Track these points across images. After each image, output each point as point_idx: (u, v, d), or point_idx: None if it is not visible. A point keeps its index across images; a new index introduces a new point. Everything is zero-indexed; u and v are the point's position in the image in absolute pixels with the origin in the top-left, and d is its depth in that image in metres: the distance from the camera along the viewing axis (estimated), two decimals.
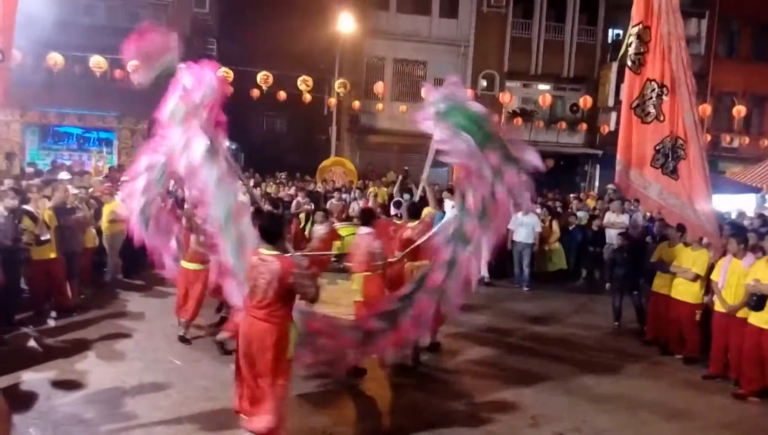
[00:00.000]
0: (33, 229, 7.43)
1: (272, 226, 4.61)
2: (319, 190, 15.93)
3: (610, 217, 11.96)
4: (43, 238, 7.57)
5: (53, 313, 7.75)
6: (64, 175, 11.15)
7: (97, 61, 17.18)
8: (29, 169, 13.22)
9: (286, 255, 4.54)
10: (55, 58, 16.57)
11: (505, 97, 21.49)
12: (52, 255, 7.82)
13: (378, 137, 23.57)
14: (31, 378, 5.86)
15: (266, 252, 4.44)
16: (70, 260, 8.27)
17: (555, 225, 12.23)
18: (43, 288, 7.84)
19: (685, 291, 7.41)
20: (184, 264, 7.13)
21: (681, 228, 7.98)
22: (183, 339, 7.16)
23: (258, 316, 4.42)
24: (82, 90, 18.25)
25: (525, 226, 11.40)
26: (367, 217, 7.00)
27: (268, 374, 4.38)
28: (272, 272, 4.31)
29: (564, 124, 24.45)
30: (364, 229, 6.78)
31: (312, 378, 6.08)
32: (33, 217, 7.48)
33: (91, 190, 9.99)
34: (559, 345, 8.11)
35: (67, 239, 8.14)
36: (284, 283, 4.30)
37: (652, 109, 8.19)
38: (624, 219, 11.70)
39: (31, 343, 6.91)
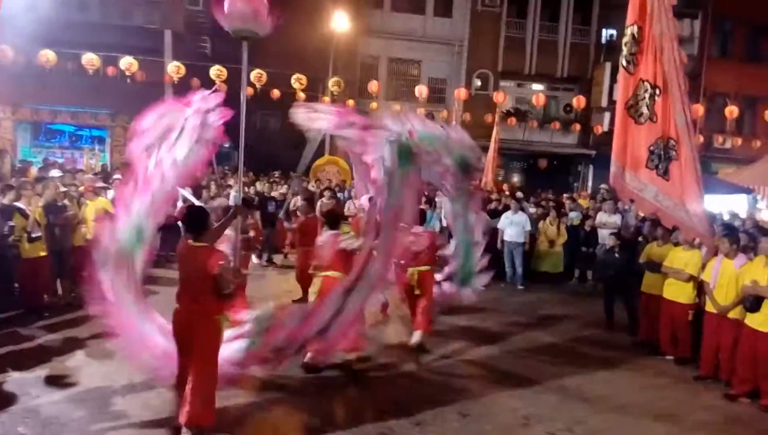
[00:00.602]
0: (24, 226, 7.39)
1: (196, 219, 4.68)
2: (312, 188, 15.89)
3: (602, 217, 11.99)
4: (33, 235, 7.55)
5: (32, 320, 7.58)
6: (55, 173, 11.10)
7: (90, 59, 17.13)
8: (19, 166, 13.13)
9: (210, 247, 4.60)
10: (48, 55, 16.50)
11: (499, 97, 21.52)
12: (42, 253, 7.79)
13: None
14: (20, 377, 5.82)
15: (194, 243, 4.55)
16: (59, 258, 8.23)
17: (563, 227, 12.14)
18: (33, 286, 7.77)
19: (678, 291, 7.42)
20: None
21: (660, 225, 8.03)
22: None
23: (185, 306, 4.56)
24: (75, 87, 18.19)
25: (515, 225, 11.43)
26: (332, 219, 7.01)
27: (196, 363, 4.49)
28: (200, 263, 4.43)
29: (558, 124, 24.54)
30: (330, 231, 6.82)
31: (302, 378, 6.07)
32: (24, 215, 7.44)
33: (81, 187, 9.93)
34: (551, 345, 8.13)
35: (56, 237, 8.10)
36: (208, 275, 4.40)
37: (645, 110, 8.18)
38: (616, 219, 11.74)
39: (21, 341, 6.85)
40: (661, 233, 8.12)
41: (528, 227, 11.55)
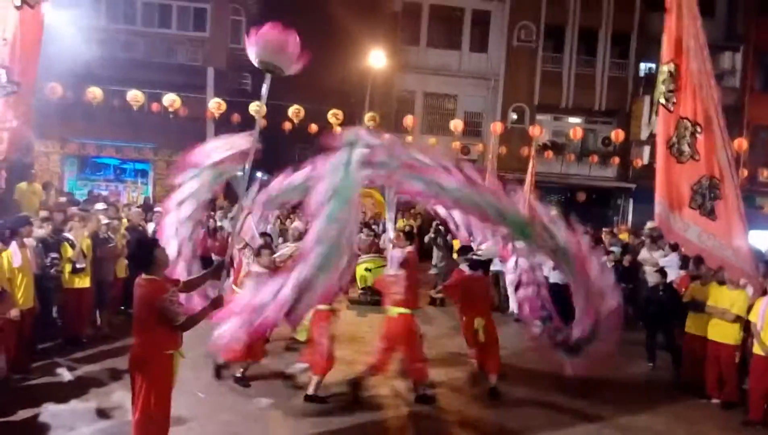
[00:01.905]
0: (70, 257, 7.58)
1: (141, 253, 4.56)
2: None
3: (644, 253, 11.66)
4: (78, 266, 7.72)
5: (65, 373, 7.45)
6: (99, 206, 11.39)
7: (135, 95, 17.73)
8: (61, 199, 13.54)
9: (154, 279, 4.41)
10: (95, 92, 17.17)
11: (535, 130, 21.40)
12: (86, 284, 7.95)
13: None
14: (56, 408, 5.90)
15: (142, 277, 4.42)
16: (100, 289, 8.41)
17: None
18: (74, 316, 7.93)
19: (723, 332, 7.14)
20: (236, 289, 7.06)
21: (704, 263, 7.78)
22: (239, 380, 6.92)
23: (136, 340, 4.45)
24: (120, 122, 18.84)
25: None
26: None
27: (141, 398, 4.34)
28: (141, 296, 4.32)
29: (596, 158, 24.23)
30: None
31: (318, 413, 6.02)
32: (72, 245, 7.66)
33: (124, 220, 10.17)
34: (591, 384, 7.84)
35: (99, 268, 8.28)
36: (151, 308, 4.28)
37: (687, 148, 8.03)
38: (658, 256, 11.39)
39: (58, 372, 6.96)
40: (705, 272, 7.86)
41: None
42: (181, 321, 4.29)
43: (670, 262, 10.27)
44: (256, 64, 5.06)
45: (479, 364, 7.66)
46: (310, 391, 6.43)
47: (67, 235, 7.82)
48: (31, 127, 8.64)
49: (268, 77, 5.13)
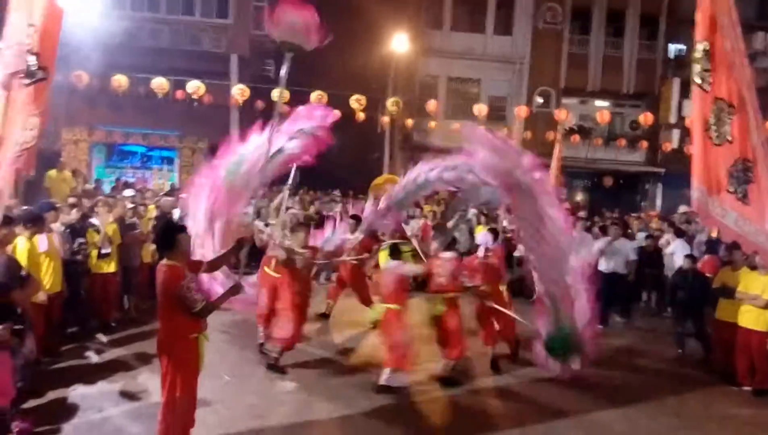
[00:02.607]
0: (96, 242, 7.68)
1: (162, 238, 4.60)
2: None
3: (664, 240, 11.43)
4: (103, 252, 7.82)
5: (101, 337, 7.73)
6: (128, 192, 11.54)
7: (160, 83, 17.85)
8: (88, 186, 13.74)
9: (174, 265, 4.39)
10: (120, 80, 17.31)
11: (561, 114, 21.07)
12: (112, 269, 8.06)
13: (431, 155, 23.43)
14: (85, 390, 6.01)
15: (163, 262, 4.44)
16: (127, 274, 8.52)
17: None
18: (101, 301, 8.04)
19: (755, 318, 6.96)
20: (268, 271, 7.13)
21: (736, 248, 7.58)
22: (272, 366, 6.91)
23: (160, 324, 4.48)
24: (146, 110, 18.98)
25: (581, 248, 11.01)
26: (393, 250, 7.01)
27: (166, 383, 4.39)
28: (161, 282, 4.34)
29: (623, 142, 23.81)
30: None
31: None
32: (98, 231, 7.76)
33: (151, 207, 10.28)
34: (619, 372, 7.75)
35: (125, 254, 8.39)
36: (170, 293, 4.29)
37: (723, 130, 7.80)
38: (663, 243, 11.12)
39: (87, 355, 7.08)
40: (736, 257, 7.66)
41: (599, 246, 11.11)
42: (198, 308, 4.29)
43: (675, 249, 10.07)
44: (278, 44, 5.03)
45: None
46: (383, 381, 6.43)
47: (92, 220, 7.92)
48: (53, 114, 8.69)
49: (288, 56, 5.09)
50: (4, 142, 5.14)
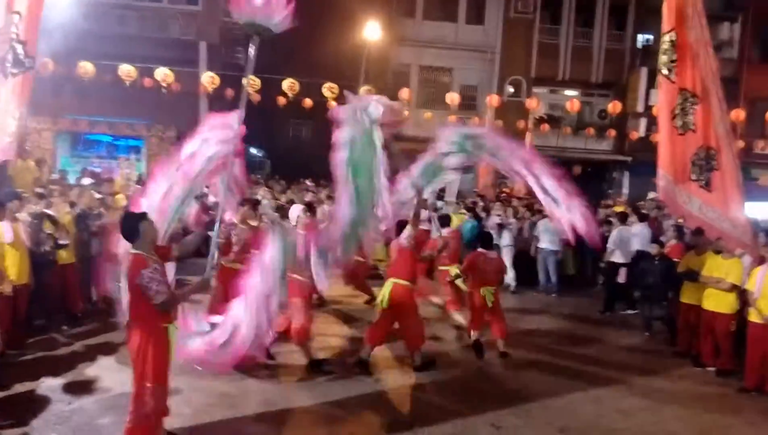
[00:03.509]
0: (54, 233, 7.50)
1: (124, 227, 4.47)
2: None
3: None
4: (61, 243, 7.64)
5: (64, 328, 7.61)
6: (86, 181, 11.30)
7: (127, 70, 17.46)
8: (54, 176, 13.43)
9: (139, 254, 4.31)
10: (86, 67, 16.89)
11: (532, 103, 21.26)
12: (70, 260, 7.88)
13: (403, 144, 23.45)
14: (53, 382, 5.90)
15: (131, 250, 4.37)
16: (94, 265, 8.36)
17: None
18: (62, 292, 7.85)
19: (718, 301, 7.15)
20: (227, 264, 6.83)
21: (700, 231, 7.80)
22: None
23: (130, 316, 4.42)
24: (112, 98, 18.54)
25: (549, 233, 11.17)
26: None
27: (135, 373, 4.35)
28: (127, 271, 4.29)
29: (592, 130, 24.12)
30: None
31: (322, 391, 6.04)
32: (54, 221, 7.56)
33: (119, 196, 10.10)
34: (587, 355, 7.92)
35: (92, 244, 8.23)
36: (133, 283, 4.24)
37: (687, 119, 7.96)
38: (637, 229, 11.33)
39: (55, 347, 6.96)
40: (700, 242, 7.86)
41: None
42: (159, 301, 4.21)
43: (639, 233, 10.29)
44: (244, 27, 4.92)
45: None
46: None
47: (47, 211, 7.66)
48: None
49: (255, 40, 4.99)
50: None
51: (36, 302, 7.27)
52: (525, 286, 11.53)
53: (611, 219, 12.40)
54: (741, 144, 20.33)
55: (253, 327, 4.90)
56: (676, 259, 8.37)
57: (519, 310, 10.06)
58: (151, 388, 4.36)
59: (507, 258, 11.50)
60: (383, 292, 6.76)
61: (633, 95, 24.21)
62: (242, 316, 4.91)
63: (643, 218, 10.94)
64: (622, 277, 10.15)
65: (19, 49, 5.30)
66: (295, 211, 7.17)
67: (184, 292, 4.57)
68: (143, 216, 4.54)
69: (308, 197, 13.96)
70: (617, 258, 10.31)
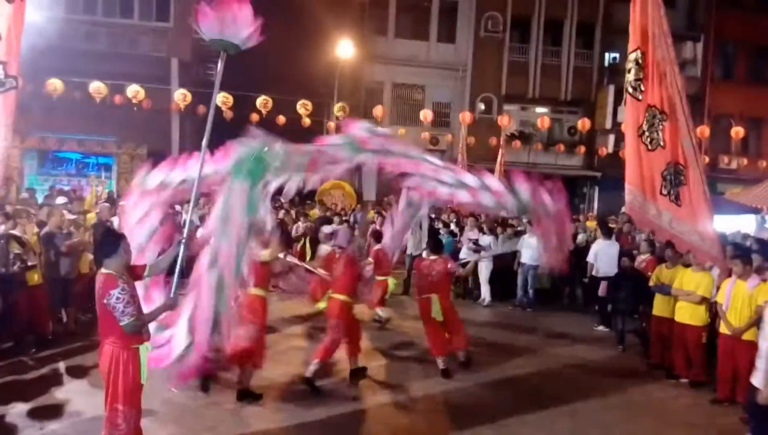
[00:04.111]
0: (21, 254, 7.33)
1: (101, 245, 4.40)
2: (318, 213, 15.86)
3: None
4: (30, 263, 7.47)
5: (32, 352, 7.36)
6: (60, 200, 11.09)
7: (97, 87, 17.29)
8: (24, 195, 13.15)
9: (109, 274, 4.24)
10: (55, 84, 16.68)
11: (503, 120, 21.56)
12: (37, 281, 7.69)
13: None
14: (24, 407, 5.74)
15: (101, 270, 4.30)
16: (64, 286, 8.17)
17: None
18: (30, 314, 7.63)
19: (690, 314, 7.29)
20: None
21: (671, 247, 7.96)
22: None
23: (101, 336, 4.34)
24: (82, 115, 18.31)
25: (531, 248, 11.24)
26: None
27: (107, 396, 4.26)
28: (97, 291, 4.22)
29: (562, 147, 24.59)
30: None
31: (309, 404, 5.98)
32: (21, 242, 7.38)
33: (90, 215, 9.92)
34: (562, 368, 7.99)
35: (61, 265, 8.05)
36: (101, 302, 4.17)
37: (655, 135, 8.14)
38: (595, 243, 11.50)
39: (25, 370, 6.77)
40: (671, 255, 8.01)
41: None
42: (125, 322, 4.12)
43: (606, 249, 10.40)
44: (210, 45, 4.85)
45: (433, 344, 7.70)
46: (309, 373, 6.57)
47: (13, 232, 7.46)
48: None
49: (222, 56, 4.94)
50: None
51: (3, 325, 7.08)
52: (499, 300, 11.62)
53: (584, 233, 12.64)
54: (706, 159, 20.91)
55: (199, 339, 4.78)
56: (649, 273, 8.49)
57: (494, 325, 10.13)
58: (123, 410, 4.26)
59: (483, 274, 11.60)
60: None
61: (601, 112, 24.75)
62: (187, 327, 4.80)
63: (609, 233, 11.09)
64: (602, 291, 10.15)
65: (0, 70, 5.24)
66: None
67: (151, 313, 4.48)
68: (122, 236, 4.47)
69: (280, 215, 13.92)
70: (598, 272, 10.32)
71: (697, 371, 7.37)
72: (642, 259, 9.33)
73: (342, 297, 6.76)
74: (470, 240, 11.85)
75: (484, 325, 10.01)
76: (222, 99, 17.91)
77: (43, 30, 15.73)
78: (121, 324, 4.13)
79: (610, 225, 12.09)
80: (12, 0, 5.51)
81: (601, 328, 10.21)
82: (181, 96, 17.98)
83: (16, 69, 5.56)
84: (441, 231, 12.05)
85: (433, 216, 14.45)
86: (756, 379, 4.91)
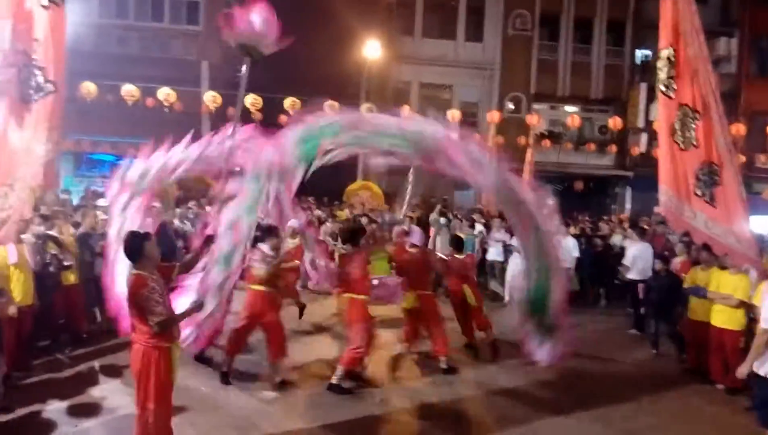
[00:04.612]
0: (58, 255, 7.49)
1: (127, 248, 4.43)
2: (347, 214, 15.88)
3: (615, 240, 11.66)
4: (66, 264, 7.63)
5: (67, 350, 7.53)
6: (102, 202, 11.26)
7: (130, 90, 17.58)
8: (63, 196, 13.42)
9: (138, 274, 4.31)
10: (89, 87, 16.99)
11: (532, 119, 21.35)
12: (74, 281, 7.86)
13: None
14: (60, 405, 5.87)
15: (131, 270, 4.37)
16: (99, 286, 8.31)
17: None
18: (67, 313, 7.82)
19: (727, 318, 7.10)
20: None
21: (705, 247, 7.77)
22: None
23: (133, 336, 4.41)
24: (115, 118, 18.67)
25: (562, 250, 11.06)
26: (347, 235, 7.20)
27: (138, 395, 4.34)
28: (128, 292, 4.27)
29: (593, 146, 24.21)
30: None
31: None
32: (58, 243, 7.55)
33: None
34: (595, 373, 7.86)
35: (96, 264, 8.20)
36: (132, 302, 4.23)
37: (688, 135, 7.98)
38: (628, 245, 11.23)
39: (61, 369, 6.92)
40: (706, 257, 7.82)
41: (576, 253, 11.27)
42: (155, 321, 4.18)
43: (641, 251, 10.21)
44: (236, 49, 4.95)
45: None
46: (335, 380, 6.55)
47: (50, 232, 7.61)
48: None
49: (247, 61, 5.02)
50: (15, 157, 5.01)
51: (41, 323, 7.24)
52: None
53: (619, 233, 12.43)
54: (742, 158, 20.39)
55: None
56: (684, 275, 8.31)
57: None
58: (153, 409, 4.33)
59: (514, 275, 11.49)
60: None
61: (633, 110, 24.31)
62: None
63: (643, 234, 10.88)
64: (642, 294, 9.94)
65: (39, 75, 5.39)
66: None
67: (181, 313, 4.54)
68: (147, 236, 4.53)
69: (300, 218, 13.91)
70: (634, 275, 10.12)
71: (734, 377, 7.15)
72: (678, 260, 9.13)
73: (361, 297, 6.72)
74: (498, 241, 11.77)
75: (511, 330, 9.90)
76: (251, 101, 18.09)
77: (77, 34, 16.03)
78: (150, 323, 4.19)
79: (642, 226, 11.87)
80: (48, 6, 5.62)
81: (634, 331, 10.01)
82: (211, 98, 18.18)
83: (56, 74, 5.68)
84: (464, 231, 11.99)
85: (458, 216, 14.41)
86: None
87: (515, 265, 11.36)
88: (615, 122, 21.84)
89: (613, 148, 24.20)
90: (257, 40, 4.82)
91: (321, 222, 13.77)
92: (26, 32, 4.79)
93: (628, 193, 25.14)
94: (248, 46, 4.81)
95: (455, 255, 8.45)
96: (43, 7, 5.54)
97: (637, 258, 10.13)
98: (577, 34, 25.11)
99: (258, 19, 4.74)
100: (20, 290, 6.42)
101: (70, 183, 19.60)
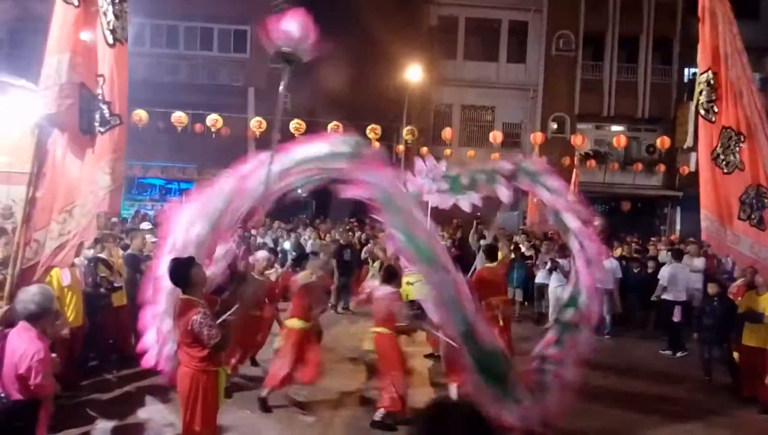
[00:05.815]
0: (108, 277, 7.72)
1: (176, 272, 4.45)
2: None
3: (686, 260, 11.26)
4: (116, 285, 7.85)
5: (115, 371, 7.64)
6: (145, 225, 11.63)
7: (179, 117, 18.17)
8: (114, 220, 13.86)
9: (189, 299, 4.35)
10: (140, 114, 17.64)
11: (577, 140, 21.08)
12: (122, 301, 8.05)
13: None
14: (106, 425, 6.00)
15: (180, 296, 4.42)
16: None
17: None
18: (117, 334, 8.03)
19: None
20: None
21: (754, 272, 7.46)
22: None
23: (181, 359, 4.45)
24: (165, 143, 19.29)
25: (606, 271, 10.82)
26: (389, 275, 6.63)
27: (185, 418, 4.36)
28: (177, 317, 4.33)
29: (640, 166, 23.69)
30: (387, 289, 6.47)
31: None
32: (108, 265, 7.77)
33: None
34: (645, 400, 7.58)
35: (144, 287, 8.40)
36: (184, 328, 4.25)
37: (732, 158, 7.77)
38: (699, 263, 10.90)
39: (109, 389, 7.08)
40: (762, 282, 7.52)
41: (619, 274, 11.04)
42: (213, 343, 4.24)
43: (678, 271, 9.94)
44: (276, 56, 5.05)
45: None
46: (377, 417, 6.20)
47: (100, 255, 7.82)
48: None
49: (286, 70, 5.11)
50: (79, 188, 5.22)
51: (90, 344, 7.44)
52: None
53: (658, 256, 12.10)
54: None
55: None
56: (740, 298, 8.00)
57: None
58: (199, 432, 4.39)
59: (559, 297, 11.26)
60: None
61: (682, 129, 23.66)
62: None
63: (680, 255, 10.59)
64: (677, 316, 9.76)
65: (105, 109, 5.67)
66: (260, 255, 7.67)
67: (231, 334, 4.62)
68: (192, 261, 4.57)
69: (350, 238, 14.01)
70: (669, 295, 9.92)
71: None
72: (736, 284, 8.79)
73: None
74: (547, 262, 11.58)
75: None
76: (295, 125, 18.45)
77: (130, 64, 16.69)
78: (208, 346, 4.26)
79: (681, 247, 11.58)
80: (114, 45, 5.90)
81: (668, 352, 9.81)
82: (256, 123, 18.62)
83: (120, 108, 5.97)
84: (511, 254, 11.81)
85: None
86: None
87: (556, 282, 11.16)
88: (663, 141, 21.37)
89: (662, 167, 23.64)
90: (295, 45, 4.93)
91: (362, 244, 13.82)
92: (84, 66, 5.00)
93: (678, 213, 24.45)
94: (286, 53, 4.92)
95: (487, 263, 7.91)
96: (109, 45, 5.81)
97: (673, 278, 9.87)
98: (623, 53, 24.76)
99: (295, 25, 4.85)
100: (72, 311, 6.63)
101: (121, 206, 20.25)
